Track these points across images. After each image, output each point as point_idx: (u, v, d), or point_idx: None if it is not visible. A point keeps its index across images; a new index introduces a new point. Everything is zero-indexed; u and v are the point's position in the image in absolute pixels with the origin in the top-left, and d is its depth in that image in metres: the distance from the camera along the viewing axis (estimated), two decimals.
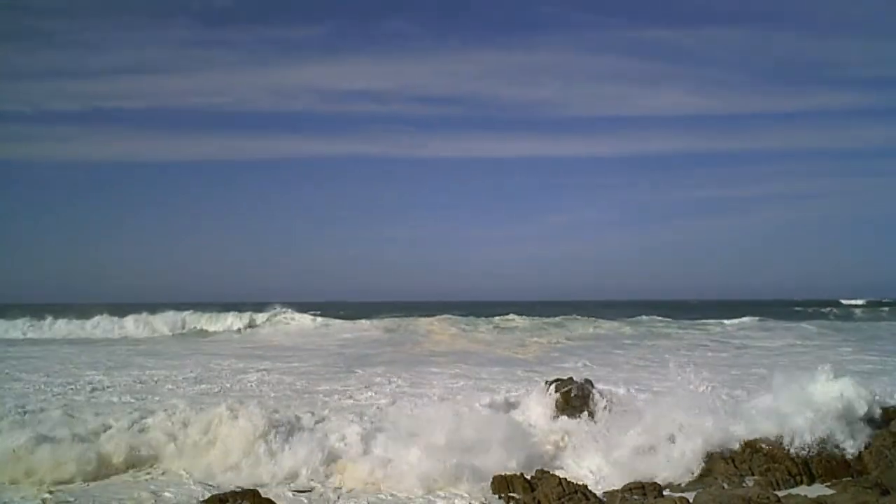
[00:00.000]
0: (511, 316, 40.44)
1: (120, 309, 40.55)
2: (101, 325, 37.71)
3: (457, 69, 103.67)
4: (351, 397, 13.28)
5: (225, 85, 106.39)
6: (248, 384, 15.44)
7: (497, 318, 39.74)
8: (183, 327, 38.12)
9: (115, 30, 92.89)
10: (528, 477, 7.42)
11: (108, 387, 14.85)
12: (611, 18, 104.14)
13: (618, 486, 7.41)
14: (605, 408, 9.83)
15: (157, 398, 13.05)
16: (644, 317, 44.20)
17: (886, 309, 59.54)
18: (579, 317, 40.60)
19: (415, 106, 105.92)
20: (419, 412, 10.01)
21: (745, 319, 40.88)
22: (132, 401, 12.79)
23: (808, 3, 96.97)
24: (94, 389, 14.42)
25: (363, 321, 39.58)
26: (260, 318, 40.43)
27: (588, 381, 10.76)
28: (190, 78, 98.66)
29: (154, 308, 42.09)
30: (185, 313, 39.76)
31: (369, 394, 13.71)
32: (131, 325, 37.39)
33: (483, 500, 7.36)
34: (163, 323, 38.04)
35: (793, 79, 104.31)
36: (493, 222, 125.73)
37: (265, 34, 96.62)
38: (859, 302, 72.02)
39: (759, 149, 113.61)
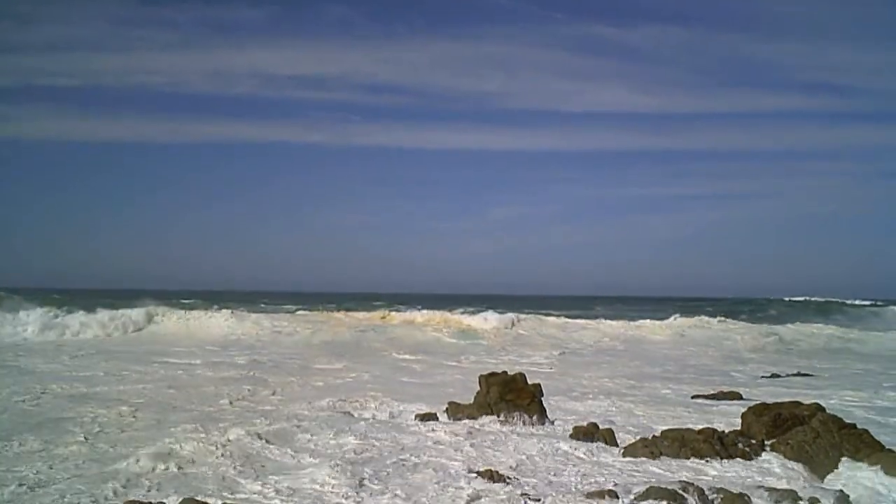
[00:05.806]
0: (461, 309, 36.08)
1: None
2: None
3: (402, 58, 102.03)
4: None
5: (162, 65, 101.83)
6: None
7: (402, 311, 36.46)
8: None
9: (47, 4, 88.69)
10: None
11: None
12: (556, 13, 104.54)
13: None
14: None
15: None
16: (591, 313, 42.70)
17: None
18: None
19: (358, 94, 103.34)
20: None
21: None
22: None
23: (753, 5, 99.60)
24: None
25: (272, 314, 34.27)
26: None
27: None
28: (126, 56, 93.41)
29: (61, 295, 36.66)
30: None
31: None
32: None
33: None
34: None
35: (737, 79, 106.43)
36: (436, 214, 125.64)
37: (204, 15, 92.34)
38: (799, 299, 72.92)
39: (701, 148, 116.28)
